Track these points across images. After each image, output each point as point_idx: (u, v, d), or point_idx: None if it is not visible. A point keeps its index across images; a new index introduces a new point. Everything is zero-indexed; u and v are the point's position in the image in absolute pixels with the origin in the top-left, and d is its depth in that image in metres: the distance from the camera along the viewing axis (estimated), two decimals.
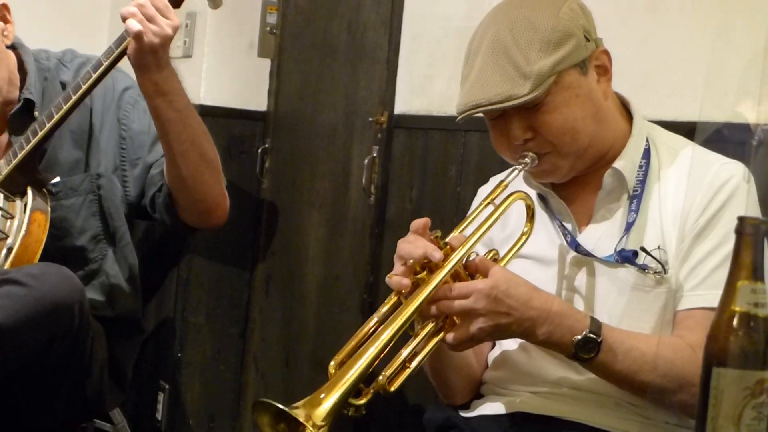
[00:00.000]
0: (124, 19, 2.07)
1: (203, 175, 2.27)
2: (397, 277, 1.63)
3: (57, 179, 2.33)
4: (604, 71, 1.75)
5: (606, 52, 1.75)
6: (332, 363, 1.59)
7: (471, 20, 2.43)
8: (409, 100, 2.73)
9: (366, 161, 2.81)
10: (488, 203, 1.73)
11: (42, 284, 2.03)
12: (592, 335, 1.59)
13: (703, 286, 1.66)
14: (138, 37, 2.05)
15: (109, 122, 2.41)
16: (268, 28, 3.34)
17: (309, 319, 3.11)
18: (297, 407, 1.48)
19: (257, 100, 3.36)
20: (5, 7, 2.34)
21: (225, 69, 3.31)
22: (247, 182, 3.33)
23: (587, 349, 1.59)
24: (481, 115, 1.76)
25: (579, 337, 1.59)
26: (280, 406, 1.48)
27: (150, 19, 2.05)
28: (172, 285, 3.30)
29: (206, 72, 3.29)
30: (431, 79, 2.65)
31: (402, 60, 2.76)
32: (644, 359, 1.61)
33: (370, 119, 2.83)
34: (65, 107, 2.17)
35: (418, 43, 2.71)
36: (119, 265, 2.43)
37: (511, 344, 1.84)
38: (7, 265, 2.13)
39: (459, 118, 1.75)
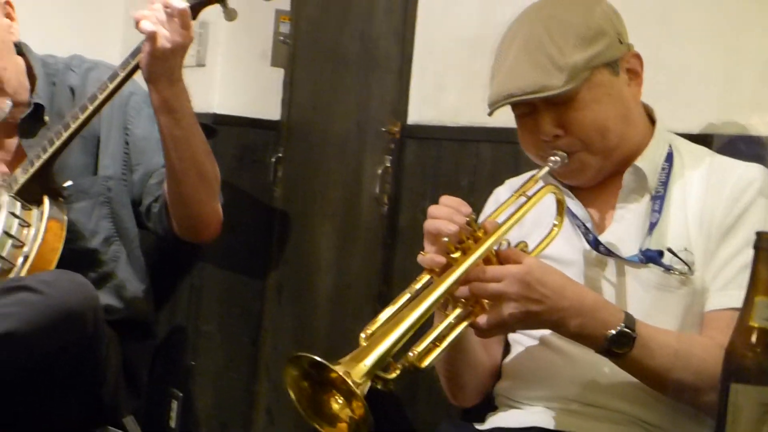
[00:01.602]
0: (137, 22, 2.07)
1: (200, 193, 2.29)
2: (431, 255, 1.62)
3: (69, 183, 2.35)
4: (635, 75, 1.77)
5: (638, 56, 1.77)
6: (362, 335, 1.57)
7: (483, 30, 2.45)
8: (421, 111, 2.73)
9: (379, 171, 2.81)
10: (520, 195, 1.73)
11: (55, 291, 2.04)
12: (627, 330, 1.57)
13: (731, 286, 1.65)
14: (152, 38, 2.06)
15: (115, 127, 2.43)
16: (281, 38, 3.34)
17: (320, 328, 3.11)
18: (338, 363, 1.46)
19: (270, 110, 3.35)
20: (9, 4, 2.36)
21: (238, 78, 3.31)
22: (259, 191, 3.32)
23: (621, 343, 1.57)
24: (499, 124, 1.76)
25: (613, 331, 1.57)
26: (318, 359, 1.46)
27: (163, 24, 2.06)
28: (184, 293, 3.30)
29: (219, 81, 3.29)
30: (443, 90, 2.65)
31: (414, 70, 2.76)
32: (677, 357, 1.59)
33: (383, 129, 2.83)
34: (81, 117, 2.18)
35: (430, 53, 2.72)
36: (132, 268, 2.45)
37: (523, 352, 1.85)
38: (23, 273, 2.15)
39: (490, 110, 1.75)
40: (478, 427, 1.85)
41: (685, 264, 1.67)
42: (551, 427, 1.74)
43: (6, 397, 2.09)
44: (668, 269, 1.68)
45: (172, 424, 3.31)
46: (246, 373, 3.36)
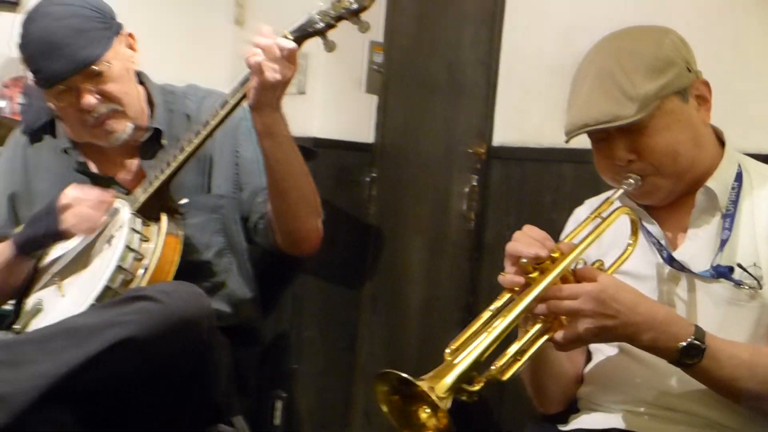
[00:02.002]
0: (248, 56, 2.08)
1: (300, 210, 2.29)
2: (511, 276, 1.63)
3: (185, 200, 2.35)
4: (704, 101, 1.75)
5: (706, 83, 1.75)
6: (447, 350, 1.59)
7: (563, 59, 2.43)
8: (505, 133, 2.74)
9: (466, 190, 2.82)
10: (595, 217, 1.73)
11: (173, 300, 2.04)
12: (696, 342, 1.57)
13: None
14: (258, 70, 2.07)
15: (227, 149, 2.44)
16: (375, 67, 3.37)
17: (412, 335, 3.12)
18: (422, 380, 1.49)
19: (365, 133, 3.38)
20: (131, 36, 2.38)
21: (335, 104, 3.34)
22: (355, 209, 3.34)
23: (691, 355, 1.57)
24: (579, 145, 1.76)
25: (684, 343, 1.57)
26: (404, 375, 1.49)
27: (272, 59, 2.07)
28: (287, 302, 3.31)
29: (318, 107, 3.32)
30: (526, 113, 2.65)
31: (498, 96, 2.77)
32: (744, 367, 1.59)
33: (469, 150, 2.84)
34: (195, 141, 2.20)
35: (513, 80, 2.72)
36: (242, 278, 2.45)
37: (605, 360, 1.84)
38: (143, 283, 2.16)
39: (567, 138, 1.75)
40: (561, 428, 1.85)
41: (755, 278, 1.66)
42: (630, 429, 1.73)
43: (127, 399, 2.11)
44: (738, 284, 1.66)
45: (277, 422, 3.33)
46: (344, 376, 3.38)
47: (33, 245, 2.31)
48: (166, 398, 2.17)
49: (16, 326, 2.31)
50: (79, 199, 2.23)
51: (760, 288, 1.66)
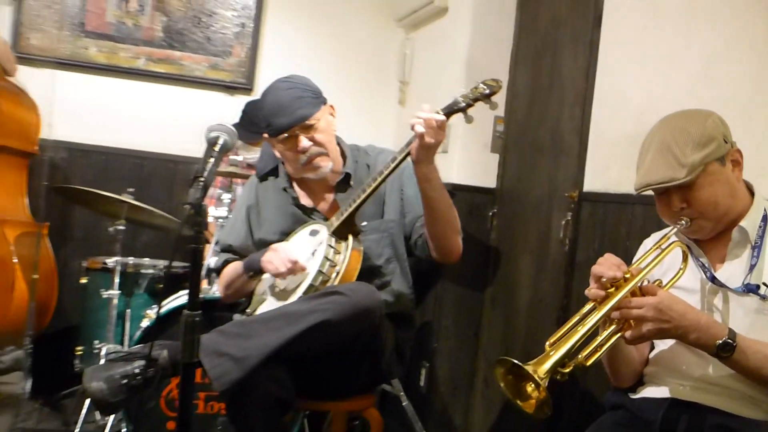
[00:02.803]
0: (413, 126, 2.14)
1: (446, 232, 2.33)
2: (594, 290, 1.65)
3: (365, 223, 2.42)
4: (737, 164, 1.74)
5: (739, 151, 1.75)
6: (547, 343, 1.62)
7: (636, 130, 2.42)
8: (592, 182, 2.70)
9: (563, 222, 2.81)
10: (657, 248, 1.75)
11: (356, 295, 2.12)
12: (729, 341, 1.57)
13: None
14: (421, 136, 2.14)
15: (395, 188, 2.49)
16: (497, 134, 3.36)
17: (520, 327, 3.09)
18: (528, 364, 1.53)
19: (489, 181, 3.37)
20: (333, 107, 2.48)
21: (469, 160, 3.34)
22: (481, 234, 3.34)
23: (725, 350, 1.58)
24: (651, 192, 1.78)
25: (720, 341, 1.58)
26: (516, 361, 1.53)
27: (429, 127, 2.13)
28: (431, 299, 3.34)
29: (457, 162, 3.33)
30: (608, 169, 2.62)
31: (588, 155, 2.74)
32: (767, 359, 1.58)
33: (566, 195, 2.82)
34: (373, 185, 2.27)
35: (599, 144, 2.69)
36: (403, 279, 2.49)
37: (665, 348, 1.83)
38: (335, 283, 2.24)
39: (636, 192, 1.77)
40: (632, 396, 1.86)
41: None
42: (683, 398, 1.73)
43: (323, 363, 2.19)
44: (764, 297, 1.66)
45: (421, 383, 3.36)
46: (470, 353, 3.36)
47: (251, 268, 2.41)
48: (348, 364, 2.25)
49: (248, 310, 2.41)
50: (282, 251, 2.31)
51: None
